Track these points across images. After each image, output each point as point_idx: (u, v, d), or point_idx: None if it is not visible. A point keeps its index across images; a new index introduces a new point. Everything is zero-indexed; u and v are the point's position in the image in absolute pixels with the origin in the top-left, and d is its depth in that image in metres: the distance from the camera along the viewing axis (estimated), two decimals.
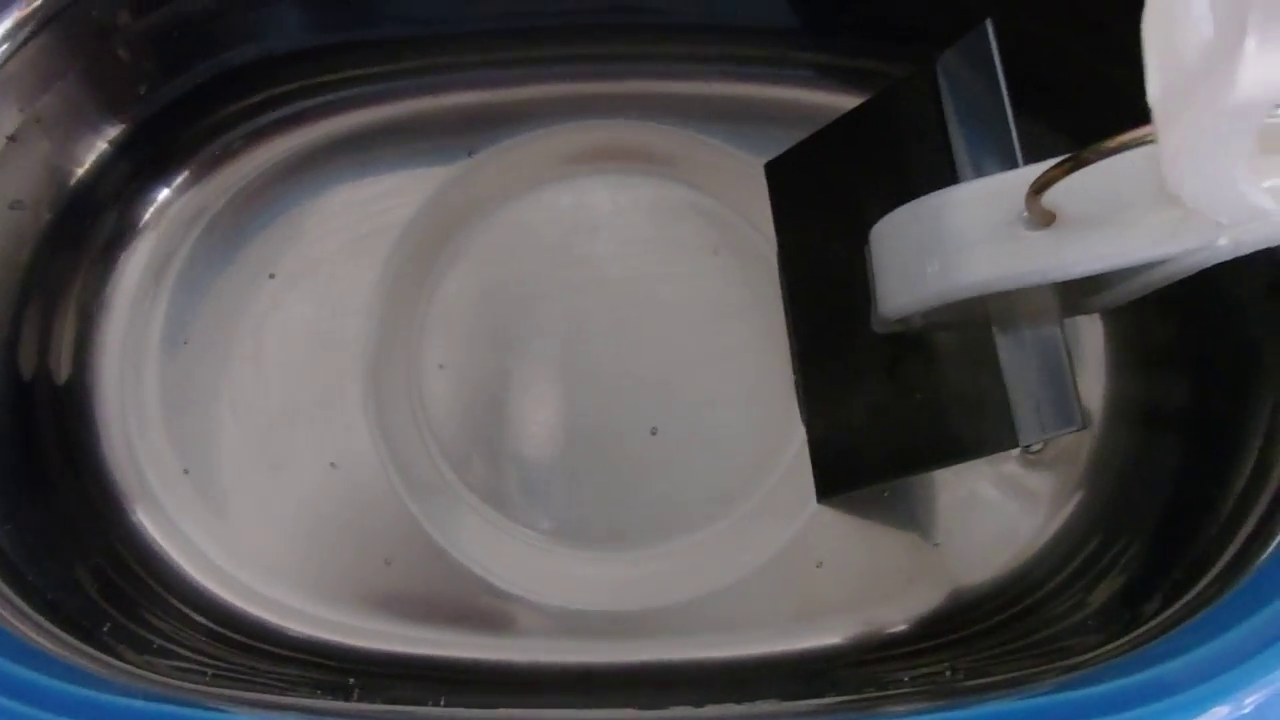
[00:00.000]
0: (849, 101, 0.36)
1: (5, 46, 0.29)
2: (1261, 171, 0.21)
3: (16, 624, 0.25)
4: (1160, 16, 0.16)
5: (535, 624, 0.33)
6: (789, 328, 0.35)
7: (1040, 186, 0.23)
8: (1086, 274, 0.24)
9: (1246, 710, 0.21)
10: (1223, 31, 0.14)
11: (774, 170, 0.37)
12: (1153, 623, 0.26)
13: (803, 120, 0.37)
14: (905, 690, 0.27)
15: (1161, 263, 0.24)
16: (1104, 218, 0.23)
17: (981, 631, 0.32)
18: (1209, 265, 0.24)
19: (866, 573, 0.33)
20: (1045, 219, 0.24)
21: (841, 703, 0.26)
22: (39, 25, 0.30)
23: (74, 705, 0.22)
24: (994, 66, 0.29)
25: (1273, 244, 0.23)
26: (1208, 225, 0.21)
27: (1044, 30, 0.33)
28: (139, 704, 0.22)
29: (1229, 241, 0.22)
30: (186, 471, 0.34)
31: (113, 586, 0.31)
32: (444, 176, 0.38)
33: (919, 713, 0.22)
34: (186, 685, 0.25)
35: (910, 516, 0.34)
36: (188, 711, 0.23)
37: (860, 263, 0.31)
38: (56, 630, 0.25)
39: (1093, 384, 0.34)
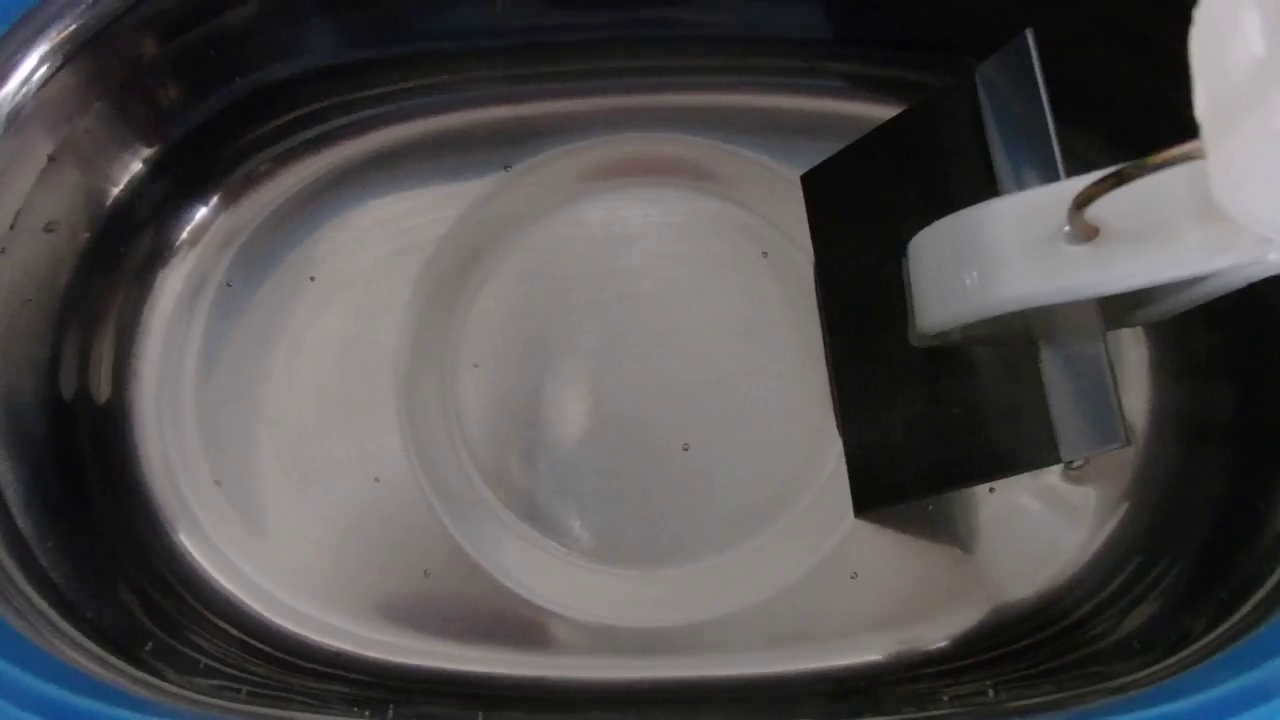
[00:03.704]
0: (884, 112, 0.36)
1: (43, 70, 0.30)
2: None
3: (58, 644, 0.25)
4: (1209, 32, 0.16)
5: (570, 640, 0.33)
6: (825, 341, 0.35)
7: (1083, 201, 0.23)
8: (1130, 289, 0.24)
9: None
10: (1275, 51, 0.14)
11: (810, 182, 0.37)
12: (1199, 644, 0.25)
13: (837, 131, 0.37)
14: (946, 710, 0.27)
15: (1208, 277, 0.24)
16: (1149, 233, 0.22)
17: (1023, 649, 0.31)
18: (1257, 280, 0.24)
19: (906, 589, 0.33)
20: (1088, 233, 0.24)
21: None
22: (74, 50, 0.30)
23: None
24: (1035, 76, 0.29)
25: None
26: (1256, 240, 0.21)
27: (1083, 40, 0.33)
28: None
29: (1279, 256, 0.22)
30: (219, 484, 0.35)
31: (154, 605, 0.31)
32: (478, 191, 0.38)
33: None
34: (225, 704, 0.26)
35: (950, 531, 0.33)
36: None
37: (898, 276, 0.31)
38: (99, 650, 0.26)
39: (1136, 397, 0.34)
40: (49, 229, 0.32)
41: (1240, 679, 0.22)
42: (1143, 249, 0.23)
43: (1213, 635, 0.25)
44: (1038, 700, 0.26)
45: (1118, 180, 0.22)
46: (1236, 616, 0.25)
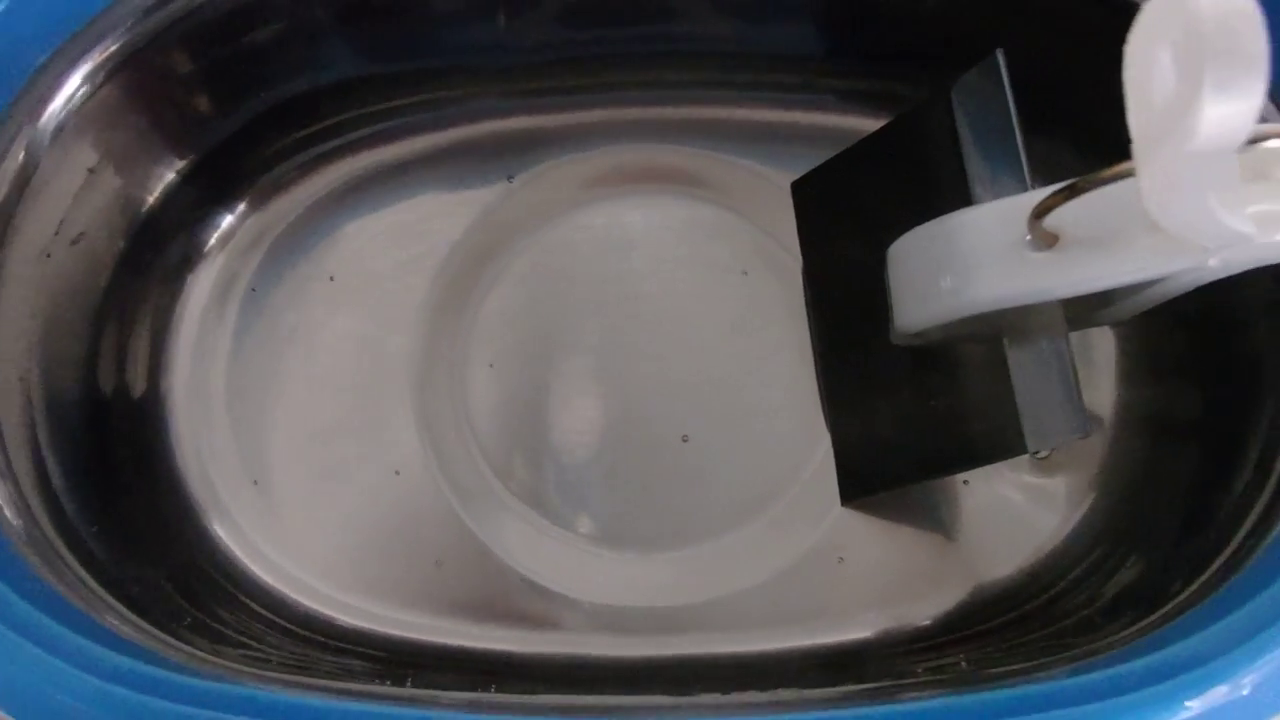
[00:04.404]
0: (870, 123, 0.38)
1: (84, 89, 0.31)
2: (1245, 198, 0.22)
3: (108, 617, 0.27)
4: (1135, 64, 0.18)
5: (574, 620, 0.34)
6: (813, 340, 0.37)
7: (1041, 212, 0.24)
8: (1087, 292, 0.26)
9: (1245, 690, 0.23)
10: (1183, 85, 0.16)
11: (799, 189, 0.39)
12: (1156, 614, 0.27)
13: (826, 141, 0.38)
14: (920, 679, 0.29)
15: (1158, 281, 0.26)
16: (1101, 240, 0.24)
17: (1001, 625, 0.33)
18: (1203, 283, 0.26)
19: (890, 572, 0.35)
20: (1048, 241, 0.26)
21: (856, 690, 0.27)
22: (114, 69, 0.32)
23: (160, 686, 0.24)
24: (1004, 93, 0.30)
25: (1262, 264, 0.24)
26: (1197, 248, 0.23)
27: (1056, 55, 0.34)
28: (217, 685, 0.25)
29: (1218, 262, 0.24)
30: (248, 476, 0.36)
31: (188, 586, 0.33)
32: (486, 199, 0.39)
33: (932, 697, 0.24)
34: (257, 671, 0.28)
35: (932, 518, 0.35)
36: (262, 691, 0.25)
37: (880, 278, 0.32)
38: (141, 623, 0.27)
39: (1105, 394, 0.35)
40: (88, 236, 0.34)
41: (1192, 640, 0.24)
42: (1097, 255, 0.25)
43: (1168, 606, 0.27)
44: (1007, 669, 0.27)
45: (1071, 193, 0.24)
46: (1190, 589, 0.27)
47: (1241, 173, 0.22)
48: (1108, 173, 0.21)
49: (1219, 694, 0.23)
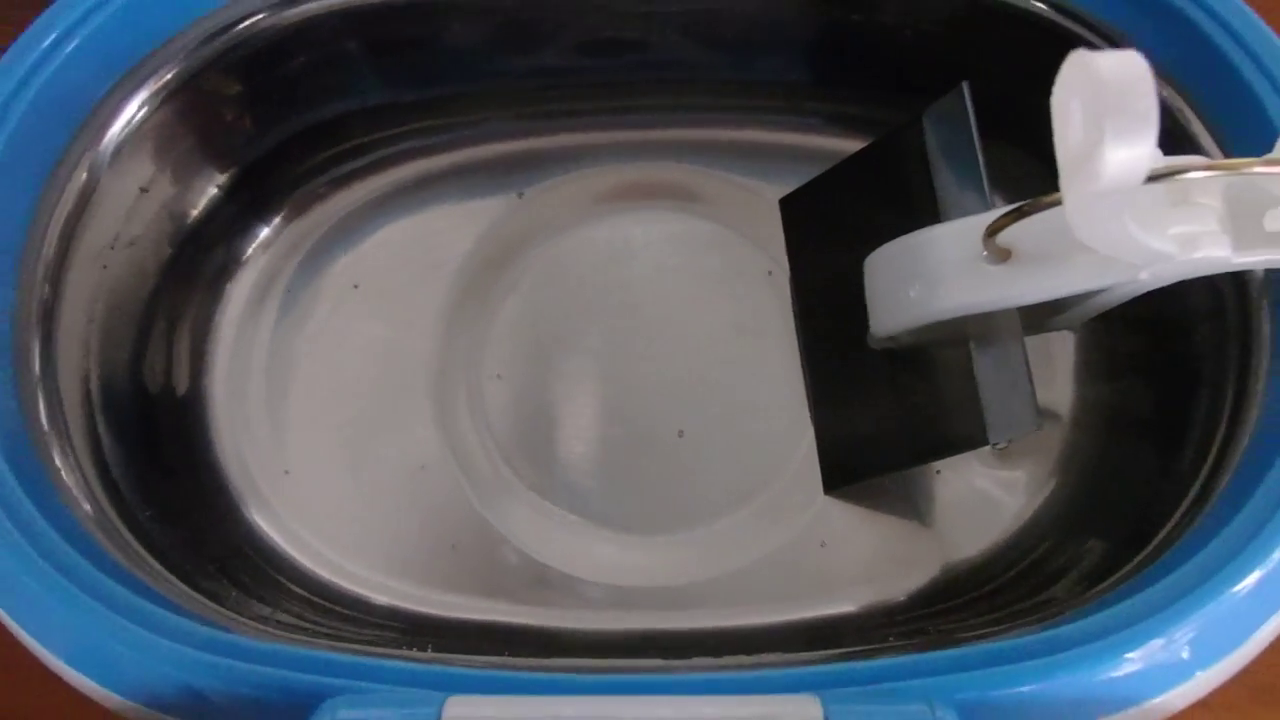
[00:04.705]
0: (852, 144, 0.40)
1: (143, 113, 0.35)
2: (1168, 221, 0.26)
3: (166, 588, 0.29)
4: (1057, 111, 0.21)
5: (579, 597, 0.37)
6: (799, 344, 0.39)
7: (993, 231, 0.28)
8: (1037, 301, 0.29)
9: (1176, 642, 0.25)
10: (1088, 134, 0.19)
11: (787, 205, 0.41)
12: (1105, 584, 0.30)
13: (812, 161, 0.41)
14: (890, 645, 0.32)
15: (1099, 292, 0.29)
16: (1046, 256, 0.28)
17: (970, 600, 0.36)
18: (1140, 293, 0.29)
19: (869, 554, 0.37)
20: (1002, 255, 0.29)
21: (833, 654, 0.30)
22: (168, 96, 0.35)
23: (217, 643, 0.26)
24: (969, 121, 0.34)
25: (1187, 276, 0.27)
26: (1126, 264, 0.26)
27: (1020, 82, 0.37)
28: (268, 645, 0.27)
29: (1149, 275, 0.27)
30: (283, 467, 0.39)
31: (232, 567, 0.35)
32: (497, 213, 0.42)
33: (894, 656, 0.27)
34: (298, 636, 0.31)
35: (907, 505, 0.38)
36: (303, 651, 0.27)
37: (859, 287, 0.35)
38: (195, 594, 0.30)
39: (1064, 390, 0.38)
40: (138, 246, 0.37)
41: (1131, 602, 0.26)
42: (1043, 269, 0.28)
43: (1116, 575, 0.30)
44: (967, 635, 0.31)
45: (1018, 215, 0.27)
46: (1134, 561, 0.30)
47: (1167, 198, 0.26)
48: (1046, 199, 0.25)
49: (1154, 646, 0.25)
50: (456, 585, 0.37)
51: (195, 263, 0.40)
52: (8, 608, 0.27)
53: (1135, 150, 0.19)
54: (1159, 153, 0.24)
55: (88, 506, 0.31)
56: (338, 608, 0.37)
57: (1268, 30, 0.31)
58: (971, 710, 0.24)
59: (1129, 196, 0.21)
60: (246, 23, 0.36)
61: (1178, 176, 0.24)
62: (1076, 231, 0.23)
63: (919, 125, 0.35)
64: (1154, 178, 0.24)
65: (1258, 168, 0.24)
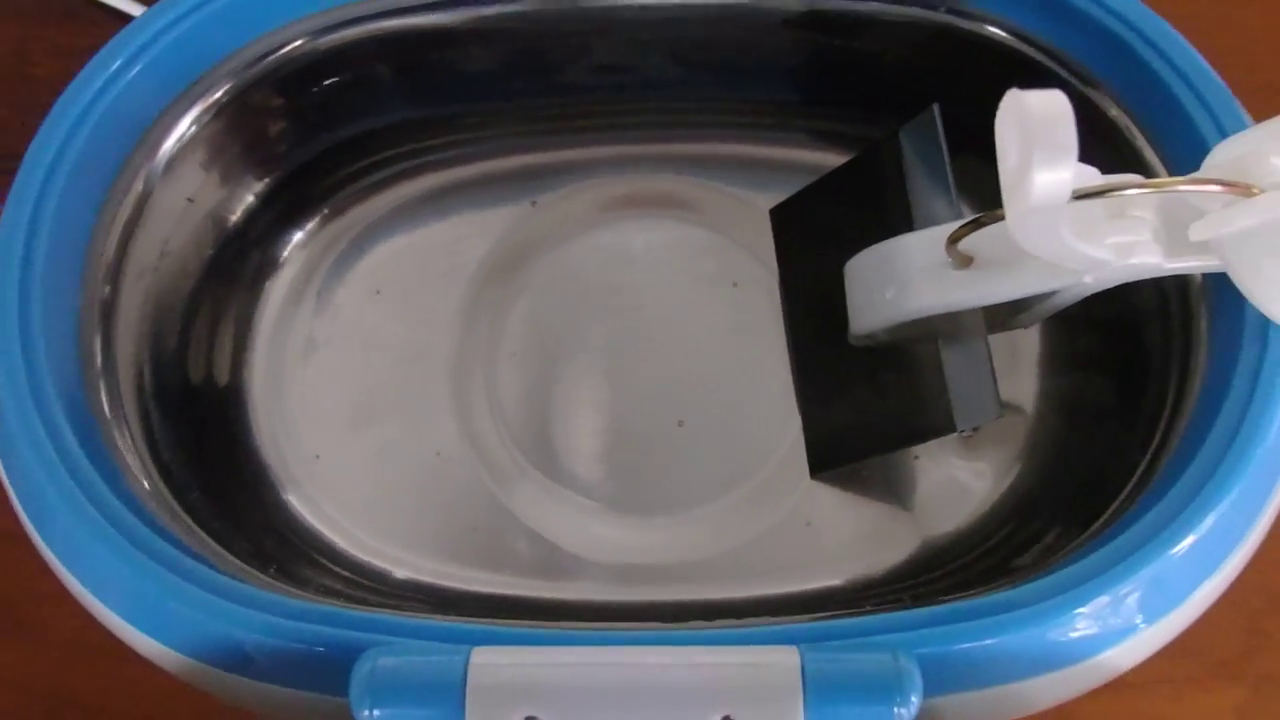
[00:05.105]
0: (837, 159, 0.42)
1: (193, 129, 0.37)
2: (1106, 232, 0.29)
3: (214, 555, 0.32)
4: (998, 137, 0.24)
5: (585, 573, 0.39)
6: (788, 342, 0.41)
7: (954, 239, 0.31)
8: (996, 302, 0.32)
9: (1120, 599, 0.28)
10: (1020, 160, 0.22)
11: (776, 214, 0.43)
12: (1062, 553, 0.32)
13: (799, 173, 0.43)
14: (869, 610, 0.35)
15: (1052, 294, 0.32)
16: (1001, 262, 0.30)
17: (944, 574, 0.38)
18: (1087, 295, 0.31)
19: (851, 533, 0.39)
20: (964, 261, 0.32)
21: (814, 618, 0.33)
22: (216, 113, 0.38)
23: (266, 603, 0.29)
24: (939, 140, 0.36)
25: (1126, 280, 0.30)
26: (1069, 270, 0.29)
27: (988, 103, 0.40)
28: (308, 604, 0.29)
29: (1092, 279, 0.30)
30: (318, 457, 0.41)
31: (269, 545, 0.38)
32: (510, 221, 0.44)
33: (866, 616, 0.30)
34: (332, 601, 0.34)
35: (886, 488, 0.40)
36: (341, 610, 0.30)
37: (841, 289, 0.36)
38: (238, 562, 0.33)
39: (1029, 383, 0.41)
40: (183, 250, 0.40)
41: (1079, 566, 0.29)
42: (999, 274, 0.31)
43: (1070, 545, 0.32)
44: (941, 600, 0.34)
45: (976, 225, 0.30)
46: (1083, 536, 0.32)
47: (1106, 212, 0.29)
48: (998, 212, 0.28)
49: (1101, 603, 0.27)
50: (473, 561, 0.40)
51: (234, 265, 0.42)
52: (79, 572, 0.30)
53: (1058, 174, 0.22)
54: (1097, 171, 0.28)
55: (146, 484, 0.34)
56: (364, 580, 0.39)
57: (1204, 63, 0.35)
58: (933, 662, 0.27)
59: (1062, 211, 0.25)
60: (288, 48, 0.39)
61: (1115, 193, 0.28)
62: (1020, 241, 0.27)
63: (895, 142, 0.37)
64: (1094, 194, 0.27)
65: (1182, 186, 0.27)
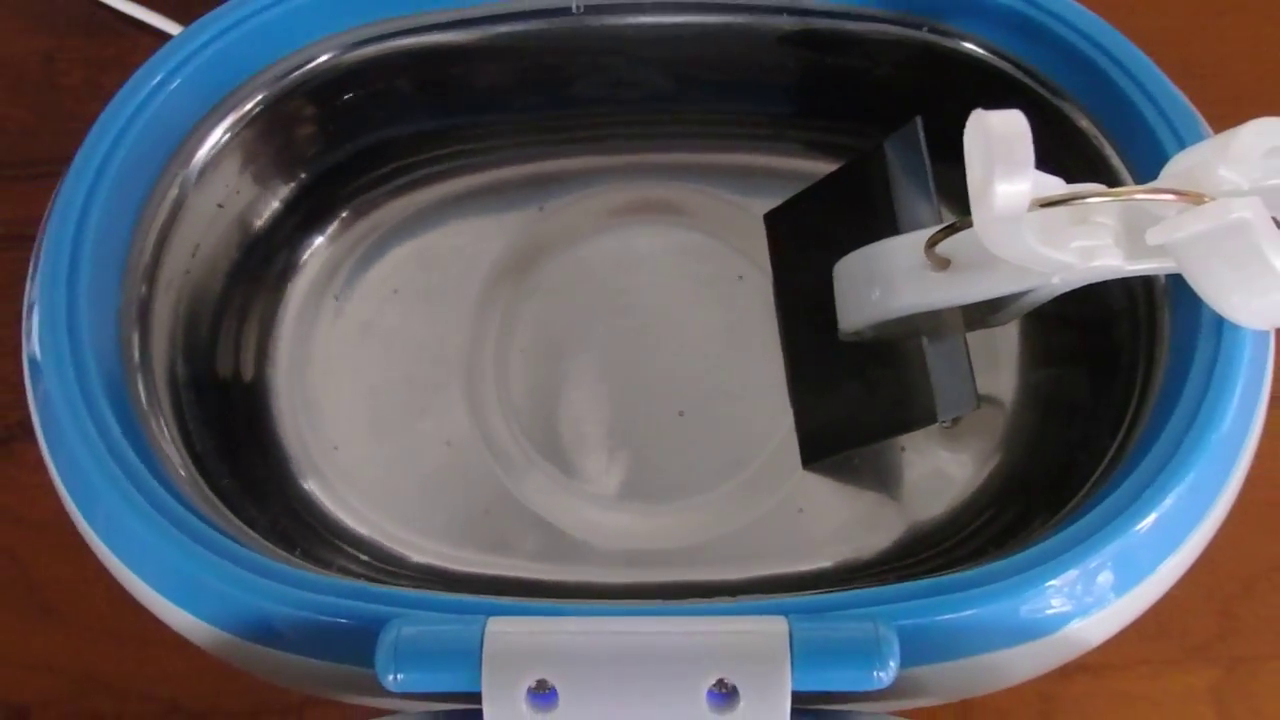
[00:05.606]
0: (828, 167, 0.43)
1: (225, 139, 0.40)
2: (1070, 237, 0.31)
3: (246, 538, 0.34)
4: (966, 152, 0.26)
5: (590, 555, 0.40)
6: (781, 339, 0.42)
7: (932, 243, 0.33)
8: (972, 301, 0.33)
9: (1089, 572, 0.29)
10: (983, 173, 0.25)
11: (770, 219, 0.44)
12: (1037, 532, 0.34)
13: (792, 180, 0.44)
14: (852, 588, 0.37)
15: (1024, 294, 0.33)
16: (975, 264, 0.32)
17: (929, 556, 0.40)
18: (1057, 295, 0.33)
19: (840, 519, 0.40)
20: (942, 264, 0.33)
21: (797, 593, 0.36)
22: (247, 124, 0.40)
23: (294, 578, 0.31)
24: (921, 150, 0.37)
25: (1091, 281, 0.32)
26: (1037, 272, 0.32)
27: (968, 114, 0.42)
28: (333, 580, 0.31)
29: (1059, 280, 0.31)
30: (337, 448, 0.42)
31: (291, 529, 0.40)
32: (520, 226, 0.45)
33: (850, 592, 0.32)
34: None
35: (874, 476, 0.41)
36: (363, 585, 0.31)
37: (830, 290, 0.38)
38: (265, 543, 0.35)
39: (1008, 377, 0.42)
40: (213, 252, 0.42)
41: (1046, 545, 0.30)
42: (975, 275, 0.32)
43: (1046, 527, 0.34)
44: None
45: (951, 230, 0.32)
46: (1056, 518, 0.34)
47: (1070, 218, 0.32)
48: (968, 219, 0.30)
49: (1071, 576, 0.29)
50: (485, 546, 0.41)
51: (260, 267, 0.43)
52: (120, 551, 0.32)
53: (1017, 186, 0.24)
54: (1061, 181, 0.30)
55: (182, 471, 0.36)
56: (383, 564, 0.41)
57: (1166, 79, 0.37)
58: (912, 633, 0.29)
59: (1027, 218, 0.27)
60: (315, 62, 0.41)
61: (1077, 201, 0.30)
62: (988, 246, 0.29)
63: (882, 152, 0.38)
64: (1058, 202, 0.30)
65: (1139, 195, 0.29)
